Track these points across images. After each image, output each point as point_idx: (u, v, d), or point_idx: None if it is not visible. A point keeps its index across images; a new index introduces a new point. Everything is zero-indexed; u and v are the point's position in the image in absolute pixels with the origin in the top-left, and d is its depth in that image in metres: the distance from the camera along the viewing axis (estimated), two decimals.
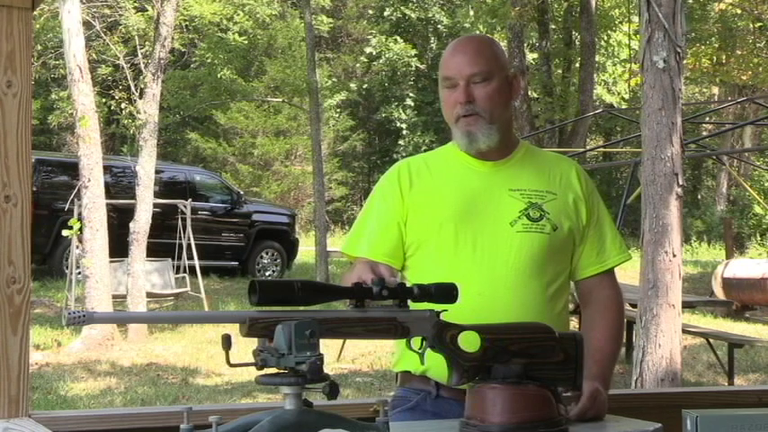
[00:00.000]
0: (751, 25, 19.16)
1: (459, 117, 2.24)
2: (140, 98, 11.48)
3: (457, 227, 2.22)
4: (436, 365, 1.97)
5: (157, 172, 12.38)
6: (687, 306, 8.79)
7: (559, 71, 20.41)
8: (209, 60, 22.61)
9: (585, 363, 1.94)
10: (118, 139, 23.82)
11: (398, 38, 27.06)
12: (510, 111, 2.30)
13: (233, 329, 1.56)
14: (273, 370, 1.55)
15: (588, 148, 17.73)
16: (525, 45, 19.23)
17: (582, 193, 2.31)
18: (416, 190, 2.29)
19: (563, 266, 2.29)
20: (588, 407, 2.06)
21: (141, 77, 11.75)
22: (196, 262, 12.71)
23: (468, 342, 1.78)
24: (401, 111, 26.97)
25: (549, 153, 2.50)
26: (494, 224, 2.21)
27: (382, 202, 2.32)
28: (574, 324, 2.65)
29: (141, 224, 11.02)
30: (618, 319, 2.34)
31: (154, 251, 12.21)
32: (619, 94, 25.37)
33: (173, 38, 12.66)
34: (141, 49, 12.59)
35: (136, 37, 14.04)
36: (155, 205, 11.67)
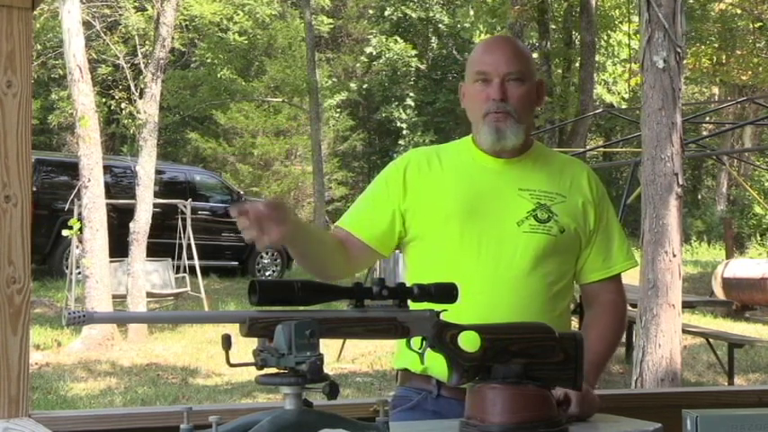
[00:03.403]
0: (751, 25, 19.16)
1: (490, 113, 2.23)
2: (140, 98, 11.48)
3: (463, 223, 2.21)
4: (437, 363, 1.97)
5: (158, 172, 12.38)
6: (687, 306, 8.79)
7: (559, 71, 20.42)
8: (209, 60, 22.61)
9: None
10: (118, 139, 23.81)
11: (399, 38, 27.05)
12: (534, 115, 2.31)
13: (233, 329, 1.56)
14: (273, 370, 1.55)
15: (588, 148, 17.73)
16: (525, 45, 19.22)
17: (592, 197, 2.31)
18: (425, 181, 2.28)
19: (567, 268, 2.29)
20: (578, 403, 2.04)
21: (141, 77, 11.75)
22: (196, 262, 12.71)
23: (469, 342, 1.78)
24: (401, 111, 26.96)
25: (561, 155, 2.50)
26: (500, 223, 2.21)
27: (383, 187, 2.32)
28: (574, 324, 2.65)
29: (141, 224, 11.02)
30: (615, 323, 2.34)
31: (154, 251, 12.21)
32: (619, 93, 25.37)
33: (173, 38, 12.66)
34: (141, 49, 12.58)
35: (136, 37, 14.02)
36: (155, 205, 11.67)
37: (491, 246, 2.20)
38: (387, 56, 26.94)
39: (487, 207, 2.23)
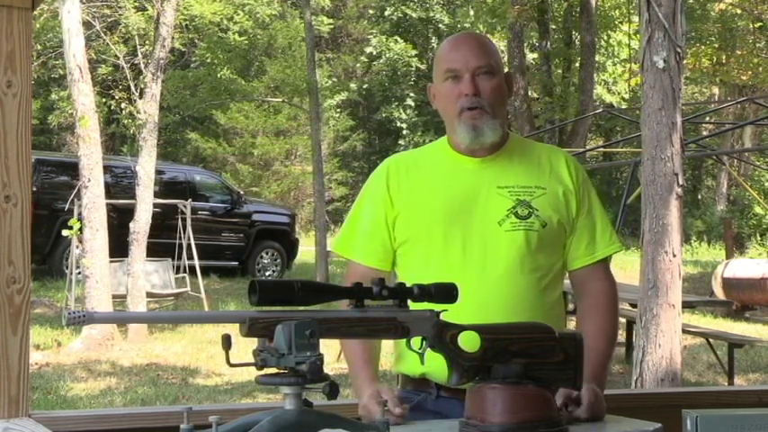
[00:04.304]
0: (751, 25, 19.18)
1: (464, 110, 2.21)
2: (140, 98, 11.47)
3: (446, 226, 2.21)
4: (435, 368, 1.97)
5: (158, 172, 12.38)
6: (687, 306, 8.78)
7: (559, 71, 20.42)
8: (209, 60, 22.59)
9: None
10: (118, 139, 23.82)
11: (399, 38, 27.06)
12: (507, 108, 2.30)
13: (233, 329, 1.56)
14: (273, 370, 1.55)
15: (588, 148, 17.74)
16: (525, 45, 19.25)
17: (572, 184, 2.28)
18: (405, 188, 2.28)
19: (555, 258, 2.27)
20: (589, 407, 2.05)
21: (141, 77, 11.75)
22: (196, 262, 12.71)
23: (468, 342, 1.78)
24: (401, 111, 26.97)
25: (538, 145, 2.45)
26: (482, 223, 2.20)
27: (372, 204, 2.31)
28: (573, 324, 2.64)
29: (141, 224, 11.02)
30: (610, 314, 2.31)
31: (154, 251, 12.21)
32: (619, 94, 25.38)
33: (173, 38, 12.66)
34: (141, 49, 12.58)
35: (136, 37, 14.02)
36: (155, 205, 11.66)
37: (475, 247, 2.19)
38: (387, 56, 26.95)
39: (468, 208, 2.21)
